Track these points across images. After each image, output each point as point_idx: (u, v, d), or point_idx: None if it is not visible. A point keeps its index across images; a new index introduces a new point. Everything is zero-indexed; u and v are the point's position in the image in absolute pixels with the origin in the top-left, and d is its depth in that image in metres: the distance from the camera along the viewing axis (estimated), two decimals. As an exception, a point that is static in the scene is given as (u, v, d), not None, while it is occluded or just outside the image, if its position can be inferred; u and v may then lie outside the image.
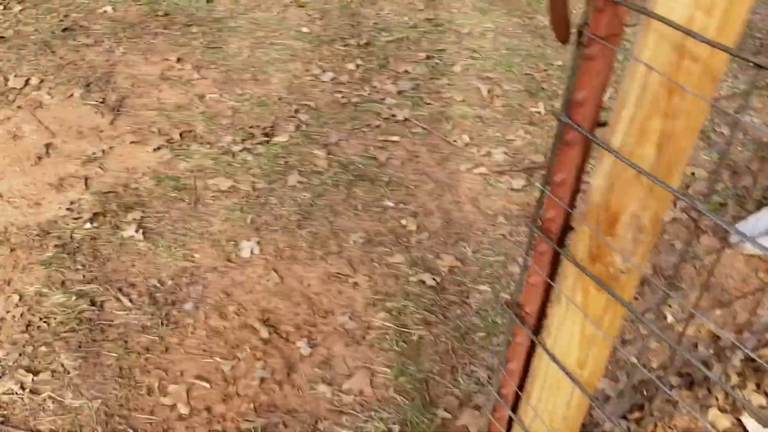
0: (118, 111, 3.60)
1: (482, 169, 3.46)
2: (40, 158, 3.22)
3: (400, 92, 4.05)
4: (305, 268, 2.79)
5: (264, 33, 4.52)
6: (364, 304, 2.65)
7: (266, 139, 3.51)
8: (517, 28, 4.94)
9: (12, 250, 2.73)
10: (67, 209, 2.94)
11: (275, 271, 2.75)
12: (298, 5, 4.91)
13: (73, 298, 2.53)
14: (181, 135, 3.48)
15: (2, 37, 4.10)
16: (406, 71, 4.26)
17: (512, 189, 3.35)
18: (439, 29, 4.79)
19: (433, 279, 2.76)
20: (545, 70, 4.43)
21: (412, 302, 2.65)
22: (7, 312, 2.47)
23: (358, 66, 4.26)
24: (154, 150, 3.35)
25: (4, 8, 4.45)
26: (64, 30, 4.23)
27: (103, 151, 3.31)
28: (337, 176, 3.30)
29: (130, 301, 2.56)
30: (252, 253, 2.83)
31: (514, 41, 4.74)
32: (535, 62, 4.51)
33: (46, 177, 3.12)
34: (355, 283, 2.73)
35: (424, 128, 3.75)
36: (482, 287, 2.75)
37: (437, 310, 2.63)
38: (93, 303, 2.53)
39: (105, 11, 4.52)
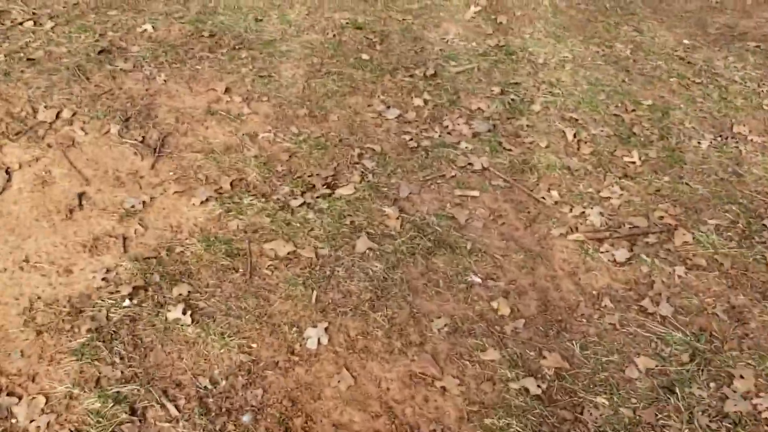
0: (159, 152, 3.16)
1: (578, 235, 2.99)
2: (72, 211, 2.79)
3: (475, 135, 3.58)
4: (382, 365, 2.33)
5: (319, 59, 4.06)
6: (456, 417, 2.18)
7: (328, 191, 3.05)
8: (596, 58, 4.45)
9: (38, 333, 2.29)
10: (103, 279, 2.50)
11: (347, 368, 2.30)
12: (355, 27, 4.45)
13: (110, 403, 2.09)
14: (231, 184, 3.03)
15: (31, 59, 3.68)
16: (480, 109, 3.79)
17: (615, 262, 2.87)
18: (511, 58, 4.31)
19: (538, 386, 2.29)
20: (633, 111, 3.93)
21: (516, 418, 2.18)
22: (31, 421, 2.03)
23: (425, 102, 3.80)
24: (202, 203, 2.91)
25: (35, 24, 4.03)
26: (100, 52, 3.80)
27: (144, 204, 2.87)
28: (413, 242, 2.83)
29: (177, 408, 2.11)
30: (319, 343, 2.37)
31: (595, 74, 4.25)
32: (621, 100, 4.02)
33: (79, 235, 2.69)
34: (444, 388, 2.27)
35: (506, 181, 3.27)
36: (598, 399, 2.28)
37: (547, 431, 2.16)
38: (133, 411, 2.09)
39: (145, 30, 4.09)
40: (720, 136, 3.80)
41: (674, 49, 4.67)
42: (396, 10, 4.72)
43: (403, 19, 4.61)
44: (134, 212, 2.83)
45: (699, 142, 3.70)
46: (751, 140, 3.77)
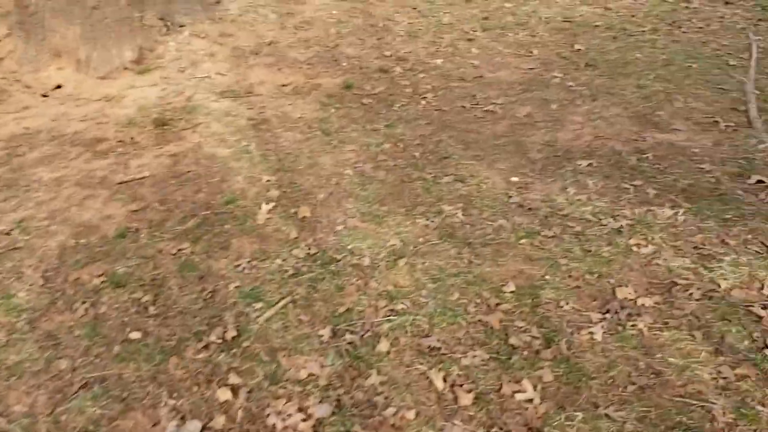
0: None
1: None
2: None
3: (316, 427, 2.52)
4: None
5: (70, 362, 2.81)
6: None
7: None
8: (428, 234, 3.61)
9: None
10: None
11: None
12: (115, 285, 3.25)
13: None
14: None
15: None
16: (313, 375, 2.75)
17: None
18: (330, 269, 3.34)
19: None
20: (498, 305, 3.09)
21: None
22: None
23: (235, 391, 2.68)
24: None
25: None
26: None
27: None
28: None
29: None
30: None
31: (435, 261, 3.39)
32: (478, 292, 3.17)
33: None
34: None
35: (381, 508, 2.23)
36: None
37: None
38: None
39: None
40: (607, 311, 3.05)
41: (506, 193, 3.97)
42: (166, 237, 3.61)
43: (179, 250, 3.50)
44: None
45: (591, 333, 2.92)
46: (643, 306, 3.06)
